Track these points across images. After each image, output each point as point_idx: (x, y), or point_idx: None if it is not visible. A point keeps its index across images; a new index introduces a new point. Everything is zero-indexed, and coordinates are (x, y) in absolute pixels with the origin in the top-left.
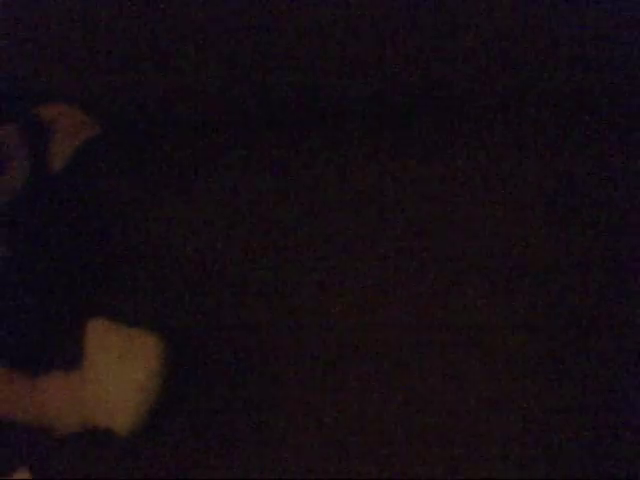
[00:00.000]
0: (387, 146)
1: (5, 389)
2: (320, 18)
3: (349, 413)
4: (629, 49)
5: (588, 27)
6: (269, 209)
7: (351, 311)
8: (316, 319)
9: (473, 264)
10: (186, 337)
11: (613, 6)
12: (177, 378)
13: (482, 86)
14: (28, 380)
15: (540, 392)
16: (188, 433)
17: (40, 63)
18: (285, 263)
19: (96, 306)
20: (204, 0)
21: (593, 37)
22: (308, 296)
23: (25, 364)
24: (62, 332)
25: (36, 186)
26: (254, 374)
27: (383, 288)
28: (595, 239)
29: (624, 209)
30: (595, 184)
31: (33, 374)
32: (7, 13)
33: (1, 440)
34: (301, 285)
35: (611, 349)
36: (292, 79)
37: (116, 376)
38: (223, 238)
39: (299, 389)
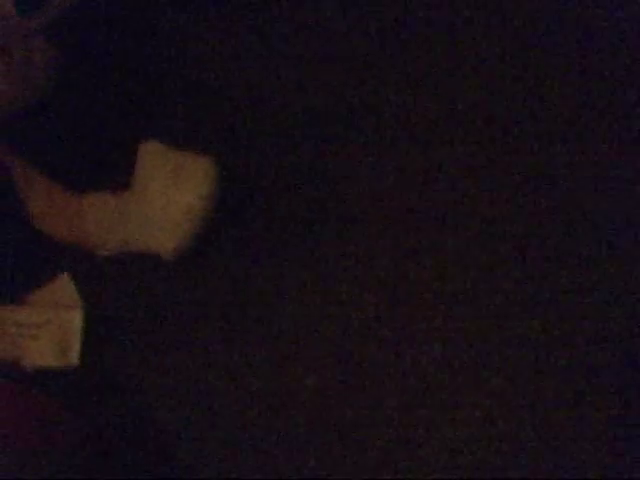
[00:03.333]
0: None
1: (49, 204)
2: None
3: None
4: None
5: None
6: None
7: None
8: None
9: None
10: (238, 165)
11: None
12: (227, 204)
13: None
14: (74, 197)
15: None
16: (233, 260)
17: None
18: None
19: (149, 129)
20: None
21: None
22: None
23: (73, 182)
24: (113, 152)
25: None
26: (307, 214)
27: None
28: None
29: None
30: None
31: (80, 192)
32: None
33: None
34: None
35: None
36: None
37: (165, 198)
38: (280, 72)
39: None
